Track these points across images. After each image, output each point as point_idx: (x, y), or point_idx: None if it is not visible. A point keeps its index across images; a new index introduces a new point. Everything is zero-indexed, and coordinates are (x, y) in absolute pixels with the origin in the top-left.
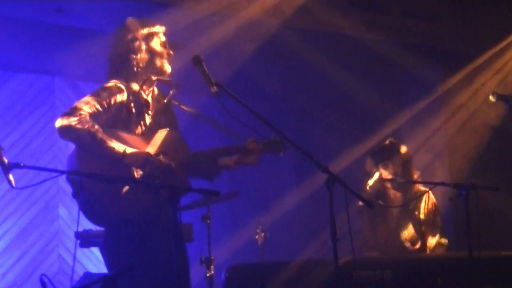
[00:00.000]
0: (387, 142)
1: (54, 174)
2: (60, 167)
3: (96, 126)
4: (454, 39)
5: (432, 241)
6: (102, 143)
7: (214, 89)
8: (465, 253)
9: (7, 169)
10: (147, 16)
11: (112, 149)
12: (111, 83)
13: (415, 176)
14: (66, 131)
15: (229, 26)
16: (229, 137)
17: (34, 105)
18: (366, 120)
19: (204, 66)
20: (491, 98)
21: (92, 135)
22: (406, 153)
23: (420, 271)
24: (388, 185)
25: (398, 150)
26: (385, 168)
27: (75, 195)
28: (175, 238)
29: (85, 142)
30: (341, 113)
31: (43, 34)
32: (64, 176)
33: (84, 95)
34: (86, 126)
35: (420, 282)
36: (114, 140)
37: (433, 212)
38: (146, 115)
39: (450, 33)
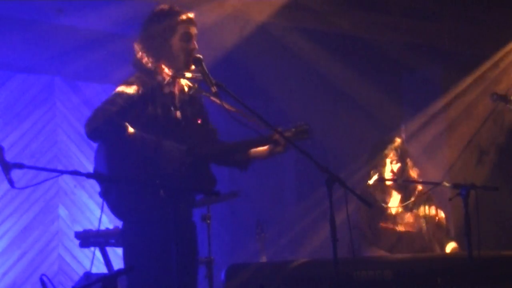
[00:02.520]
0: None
1: (54, 174)
2: (60, 167)
3: (125, 123)
4: (454, 39)
5: (448, 248)
6: (135, 136)
7: (214, 89)
8: (465, 253)
9: (8, 169)
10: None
11: (147, 139)
12: (134, 78)
13: (413, 174)
14: (95, 133)
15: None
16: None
17: (34, 105)
18: (366, 120)
19: (204, 66)
20: (491, 98)
21: (123, 131)
22: (400, 144)
23: (420, 271)
24: (387, 184)
25: (392, 142)
26: (383, 165)
27: (104, 194)
28: (174, 236)
29: (117, 140)
30: (340, 112)
31: (43, 34)
32: (64, 176)
33: (84, 95)
34: (115, 124)
35: (420, 282)
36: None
37: (439, 221)
38: (172, 107)
39: (450, 33)
